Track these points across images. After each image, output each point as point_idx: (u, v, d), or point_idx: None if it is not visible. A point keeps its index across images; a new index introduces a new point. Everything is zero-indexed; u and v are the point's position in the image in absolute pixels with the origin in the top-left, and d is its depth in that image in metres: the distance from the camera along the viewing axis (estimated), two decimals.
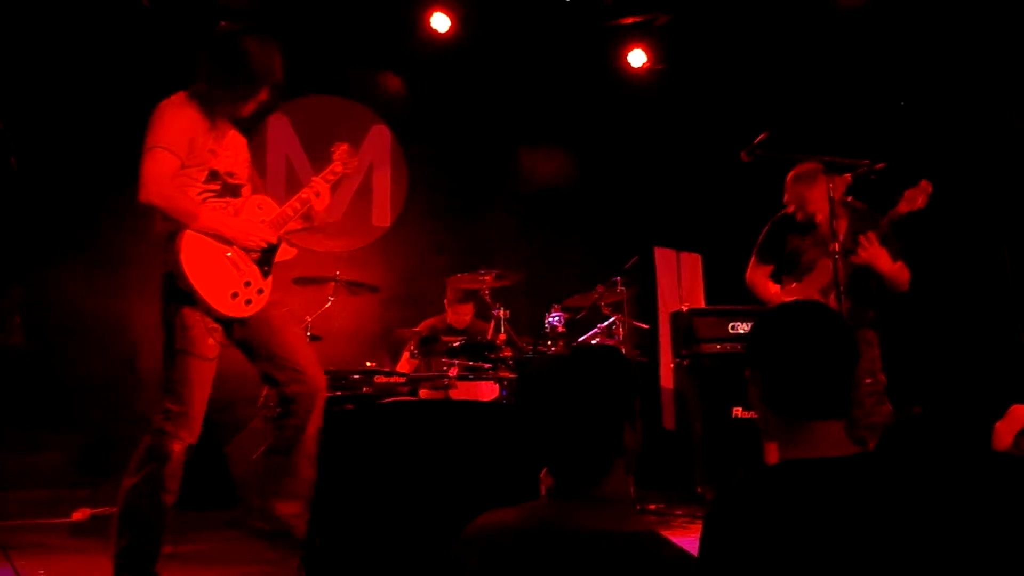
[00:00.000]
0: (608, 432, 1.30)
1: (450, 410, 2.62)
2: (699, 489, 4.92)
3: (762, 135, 3.55)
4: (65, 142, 5.00)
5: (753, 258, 3.81)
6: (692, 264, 7.00)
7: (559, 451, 1.31)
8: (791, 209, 3.65)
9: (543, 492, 1.37)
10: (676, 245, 6.94)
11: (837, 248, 3.07)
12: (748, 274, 3.83)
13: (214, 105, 2.65)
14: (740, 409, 4.95)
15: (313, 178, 2.91)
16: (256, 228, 2.69)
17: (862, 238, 3.36)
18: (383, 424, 2.27)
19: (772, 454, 3.33)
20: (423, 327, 4.88)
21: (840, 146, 3.29)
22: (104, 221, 5.07)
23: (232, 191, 2.73)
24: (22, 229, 4.79)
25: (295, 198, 2.84)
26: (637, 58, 6.33)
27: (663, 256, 6.87)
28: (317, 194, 2.85)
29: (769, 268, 3.74)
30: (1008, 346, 4.77)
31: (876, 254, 3.35)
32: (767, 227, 3.77)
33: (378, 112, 6.31)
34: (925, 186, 3.35)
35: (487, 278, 4.85)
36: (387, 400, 3.57)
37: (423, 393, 4.55)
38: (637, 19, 6.10)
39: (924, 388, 4.68)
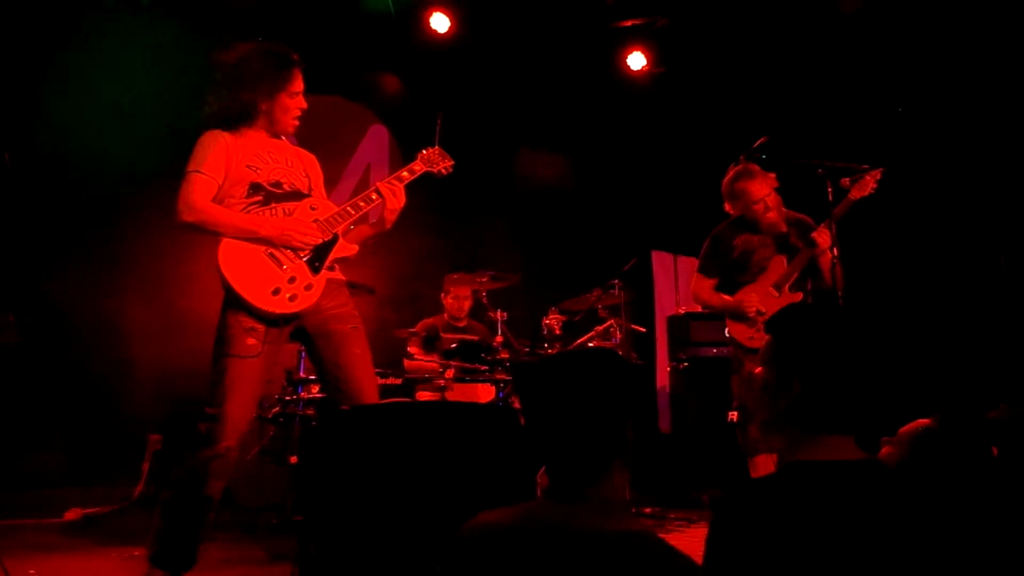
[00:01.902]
0: (614, 431, 1.30)
1: (446, 412, 2.60)
2: (695, 492, 4.91)
3: (761, 139, 3.56)
4: (61, 142, 4.98)
5: (696, 273, 3.82)
6: (690, 268, 6.98)
7: (565, 452, 1.31)
8: (735, 212, 3.66)
9: (539, 494, 1.36)
10: (674, 249, 6.94)
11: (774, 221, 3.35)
12: (693, 287, 3.84)
13: (238, 123, 2.76)
14: (736, 413, 4.92)
15: (389, 178, 2.92)
16: (298, 227, 2.68)
17: (823, 225, 3.41)
18: (378, 425, 2.25)
19: (758, 469, 3.34)
20: (420, 327, 4.87)
21: (839, 151, 3.29)
22: (100, 221, 5.05)
23: (279, 198, 2.75)
24: (17, 227, 4.76)
25: (357, 198, 2.85)
26: (637, 61, 6.32)
27: (660, 260, 6.87)
28: (393, 194, 2.85)
29: (713, 281, 3.75)
30: (1008, 355, 4.77)
31: (826, 241, 3.37)
32: (708, 241, 3.78)
33: (376, 112, 6.30)
34: (875, 172, 3.36)
35: (484, 279, 4.83)
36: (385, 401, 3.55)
37: (420, 394, 4.54)
38: (637, 22, 6.09)
39: (922, 393, 4.68)
